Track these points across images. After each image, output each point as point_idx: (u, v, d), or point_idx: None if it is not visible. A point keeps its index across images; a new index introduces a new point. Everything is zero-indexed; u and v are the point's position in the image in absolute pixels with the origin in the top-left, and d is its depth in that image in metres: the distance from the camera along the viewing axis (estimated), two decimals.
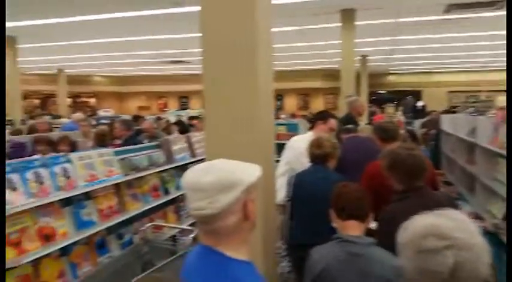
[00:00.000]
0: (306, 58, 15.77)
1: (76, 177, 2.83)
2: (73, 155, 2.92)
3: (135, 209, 3.41)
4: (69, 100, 21.80)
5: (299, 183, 2.67)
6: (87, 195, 2.96)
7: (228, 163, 1.17)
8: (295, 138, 3.46)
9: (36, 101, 23.99)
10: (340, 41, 8.54)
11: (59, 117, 13.55)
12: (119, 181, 3.24)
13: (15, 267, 2.38)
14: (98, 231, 2.98)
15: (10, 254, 2.34)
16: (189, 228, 3.05)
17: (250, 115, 2.08)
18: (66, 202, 2.78)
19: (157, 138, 5.13)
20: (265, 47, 2.21)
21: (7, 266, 2.31)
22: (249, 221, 1.15)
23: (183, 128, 8.21)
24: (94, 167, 3.02)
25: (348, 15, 8.18)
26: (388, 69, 21.16)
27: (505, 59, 2.83)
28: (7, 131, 5.65)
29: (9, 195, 2.37)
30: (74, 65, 18.52)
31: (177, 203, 4.20)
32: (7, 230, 2.35)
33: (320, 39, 11.59)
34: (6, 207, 2.31)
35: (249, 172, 1.15)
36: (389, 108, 16.13)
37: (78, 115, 7.51)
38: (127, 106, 25.14)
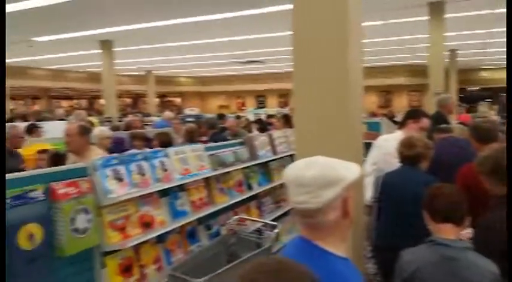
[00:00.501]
0: (390, 53, 15.12)
1: (172, 171, 3.06)
2: (170, 150, 3.16)
3: (222, 202, 3.59)
4: (156, 100, 23.39)
5: (388, 184, 2.60)
6: (181, 187, 3.19)
7: (330, 160, 1.20)
8: (383, 137, 3.36)
9: (128, 100, 26.12)
10: (428, 35, 8.10)
11: (149, 115, 14.61)
12: (208, 175, 3.43)
13: (120, 250, 2.65)
14: (189, 221, 3.19)
15: (116, 238, 2.61)
16: (273, 223, 3.14)
17: (340, 113, 2.08)
18: (163, 193, 3.02)
19: (240, 136, 5.33)
20: (356, 43, 2.20)
21: (113, 248, 2.59)
22: (348, 218, 1.18)
23: (262, 126, 8.39)
24: (187, 161, 3.24)
25: (436, 8, 7.73)
26: (481, 65, 19.50)
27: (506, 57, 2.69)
28: (107, 127, 6.21)
29: (116, 185, 2.63)
30: (161, 66, 19.87)
31: (259, 198, 4.34)
32: (114, 216, 2.62)
33: (406, 33, 11.07)
34: (113, 195, 2.58)
35: (351, 169, 1.18)
36: (482, 107, 14.84)
37: (169, 114, 8.07)
38: (208, 105, 26.29)
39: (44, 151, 3.97)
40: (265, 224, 3.20)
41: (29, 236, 2.13)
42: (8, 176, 2.22)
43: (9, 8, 8.69)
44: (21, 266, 2.11)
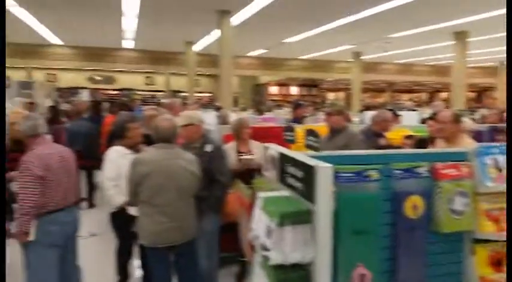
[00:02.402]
0: None
1: None
2: None
3: None
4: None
5: None
6: None
7: None
8: None
9: (471, 94, 24.28)
10: None
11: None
12: None
13: (491, 241, 2.56)
14: None
15: (490, 228, 2.53)
16: None
17: None
18: None
19: None
20: None
21: (486, 238, 2.53)
22: None
23: None
24: None
25: None
26: None
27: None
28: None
29: (495, 174, 2.54)
30: None
31: None
32: (489, 206, 2.55)
33: None
34: (491, 184, 2.50)
35: None
36: None
37: None
38: None
39: (409, 137, 4.33)
40: None
41: (413, 206, 2.40)
42: (398, 151, 2.58)
43: (369, 12, 9.84)
44: (403, 231, 2.41)
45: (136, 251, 4.22)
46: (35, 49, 19.26)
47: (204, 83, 25.31)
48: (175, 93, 22.91)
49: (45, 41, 17.95)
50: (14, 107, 6.99)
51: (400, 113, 7.16)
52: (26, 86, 9.12)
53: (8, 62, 15.33)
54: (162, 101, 18.81)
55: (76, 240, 3.72)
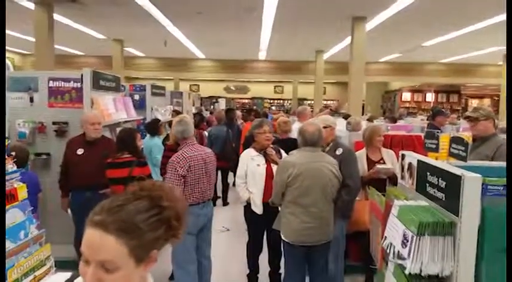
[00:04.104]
0: None
1: None
2: None
3: None
4: None
5: None
6: None
7: None
8: None
9: None
10: None
11: None
12: None
13: None
14: None
15: None
16: None
17: None
18: None
19: None
20: None
21: None
22: None
23: None
24: None
25: None
26: None
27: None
28: None
29: None
30: None
31: None
32: None
33: None
34: None
35: None
36: None
37: None
38: None
39: None
40: None
41: None
42: None
43: None
44: None
45: (265, 246, 4.48)
46: (183, 62, 21.75)
47: (329, 91, 25.24)
48: (301, 100, 23.39)
49: (193, 55, 20.12)
50: (166, 112, 8.05)
51: None
52: (176, 95, 10.42)
53: (162, 74, 17.57)
54: (273, 109, 19.18)
55: (209, 231, 4.11)
